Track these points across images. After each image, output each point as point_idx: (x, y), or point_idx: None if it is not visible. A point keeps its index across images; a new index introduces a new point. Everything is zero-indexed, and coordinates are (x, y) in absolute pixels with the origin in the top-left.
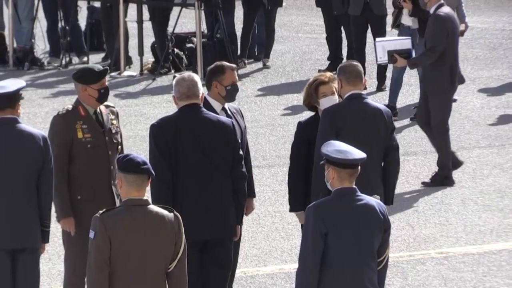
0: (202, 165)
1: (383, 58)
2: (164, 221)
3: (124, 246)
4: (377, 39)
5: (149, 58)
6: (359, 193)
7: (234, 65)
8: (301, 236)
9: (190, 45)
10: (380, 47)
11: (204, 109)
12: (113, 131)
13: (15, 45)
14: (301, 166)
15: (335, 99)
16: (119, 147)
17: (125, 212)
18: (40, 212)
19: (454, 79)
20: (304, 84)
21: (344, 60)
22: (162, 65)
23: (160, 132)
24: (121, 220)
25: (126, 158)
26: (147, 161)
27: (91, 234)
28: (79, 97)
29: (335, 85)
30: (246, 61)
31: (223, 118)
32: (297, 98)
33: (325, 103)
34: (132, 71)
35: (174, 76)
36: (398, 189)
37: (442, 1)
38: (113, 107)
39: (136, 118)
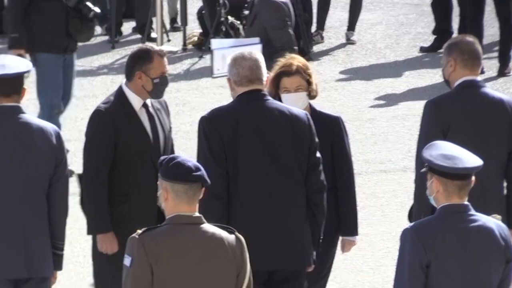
0: (269, 172)
1: (221, 70)
2: (223, 245)
3: (170, 277)
4: (213, 42)
5: (194, 28)
6: (472, 212)
7: (163, 50)
8: (395, 267)
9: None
10: (220, 56)
11: (270, 98)
12: None
13: None
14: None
15: (301, 97)
16: None
17: (172, 232)
18: (52, 231)
19: None
20: (401, 66)
21: (455, 34)
22: (212, 38)
23: (214, 127)
24: (167, 243)
25: (173, 162)
26: (200, 166)
27: (127, 261)
28: None
29: (306, 77)
30: (323, 34)
31: (296, 109)
32: (391, 85)
33: (288, 101)
34: (172, 46)
35: None
36: None
37: None
38: None
39: (177, 108)
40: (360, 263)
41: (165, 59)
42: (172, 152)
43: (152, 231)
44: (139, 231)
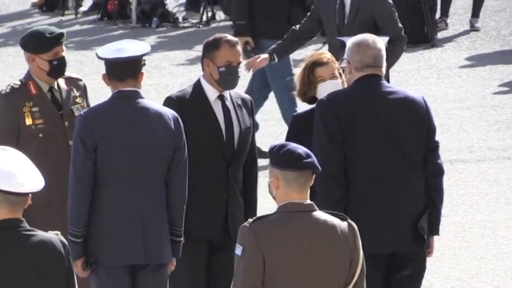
0: (386, 155)
1: None
2: (336, 232)
3: (282, 266)
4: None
5: None
6: None
7: (236, 39)
8: None
9: None
10: None
11: (386, 82)
12: (77, 114)
13: None
14: None
15: (337, 84)
16: None
17: (284, 220)
18: (170, 217)
19: None
20: None
21: None
22: None
23: (331, 109)
24: (278, 231)
25: (283, 149)
26: (311, 152)
27: (238, 250)
28: (29, 69)
29: (337, 65)
30: (447, 21)
31: (413, 92)
32: None
33: (324, 89)
34: None
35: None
36: None
37: None
38: (80, 79)
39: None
40: (483, 250)
41: (237, 49)
42: (252, 151)
43: (263, 219)
44: (250, 220)
